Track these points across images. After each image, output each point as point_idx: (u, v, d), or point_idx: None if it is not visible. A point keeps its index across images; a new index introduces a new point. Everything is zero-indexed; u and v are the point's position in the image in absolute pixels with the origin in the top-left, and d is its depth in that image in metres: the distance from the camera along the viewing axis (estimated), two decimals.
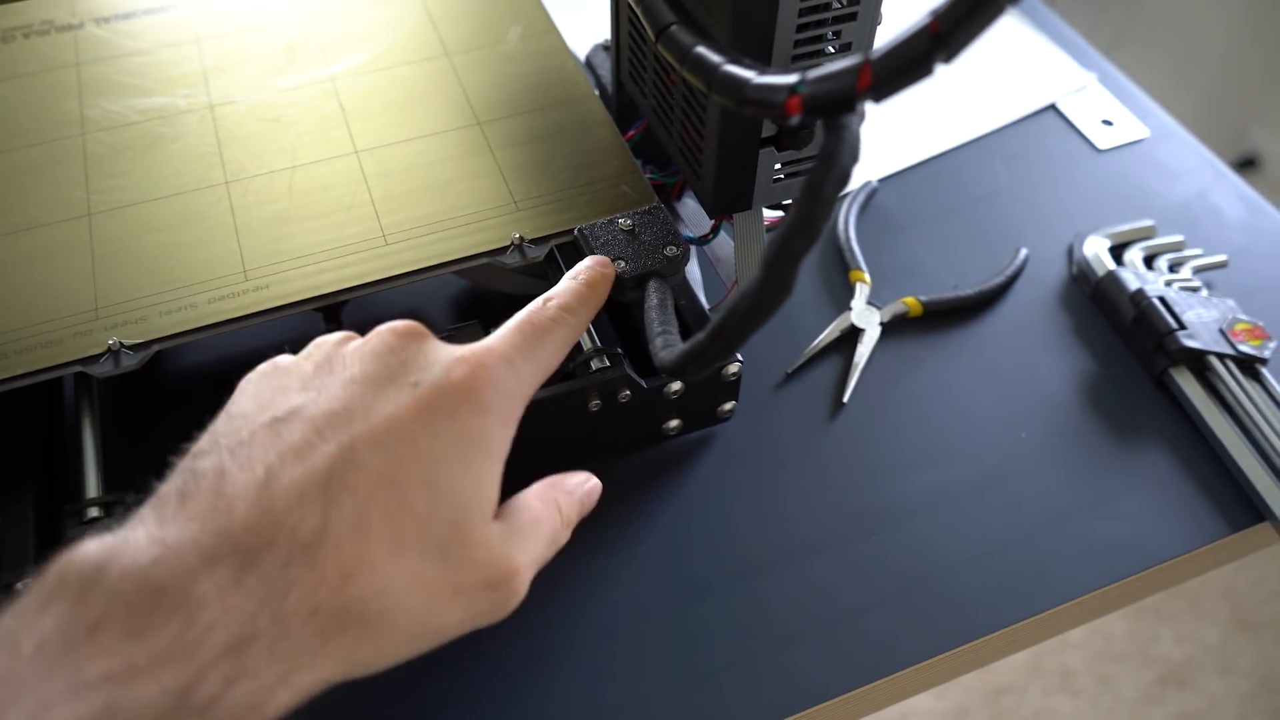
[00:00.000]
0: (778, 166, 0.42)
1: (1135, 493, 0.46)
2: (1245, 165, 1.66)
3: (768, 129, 0.41)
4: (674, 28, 0.36)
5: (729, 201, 0.43)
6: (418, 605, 0.29)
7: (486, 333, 0.43)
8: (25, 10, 0.54)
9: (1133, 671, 1.38)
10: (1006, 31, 0.70)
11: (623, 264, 0.42)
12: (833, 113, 0.29)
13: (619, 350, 0.42)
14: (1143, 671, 1.38)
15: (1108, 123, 0.63)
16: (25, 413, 0.42)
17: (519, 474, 0.44)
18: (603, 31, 0.58)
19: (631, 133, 0.49)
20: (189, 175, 0.46)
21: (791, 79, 0.30)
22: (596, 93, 0.51)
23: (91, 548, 0.26)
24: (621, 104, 0.51)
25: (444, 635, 0.30)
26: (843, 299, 0.53)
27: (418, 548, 0.29)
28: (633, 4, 0.38)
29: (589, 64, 0.56)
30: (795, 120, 0.30)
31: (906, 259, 0.55)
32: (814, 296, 0.53)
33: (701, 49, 0.34)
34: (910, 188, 0.59)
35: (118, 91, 0.50)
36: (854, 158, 0.30)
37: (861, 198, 0.57)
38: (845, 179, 0.30)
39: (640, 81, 0.47)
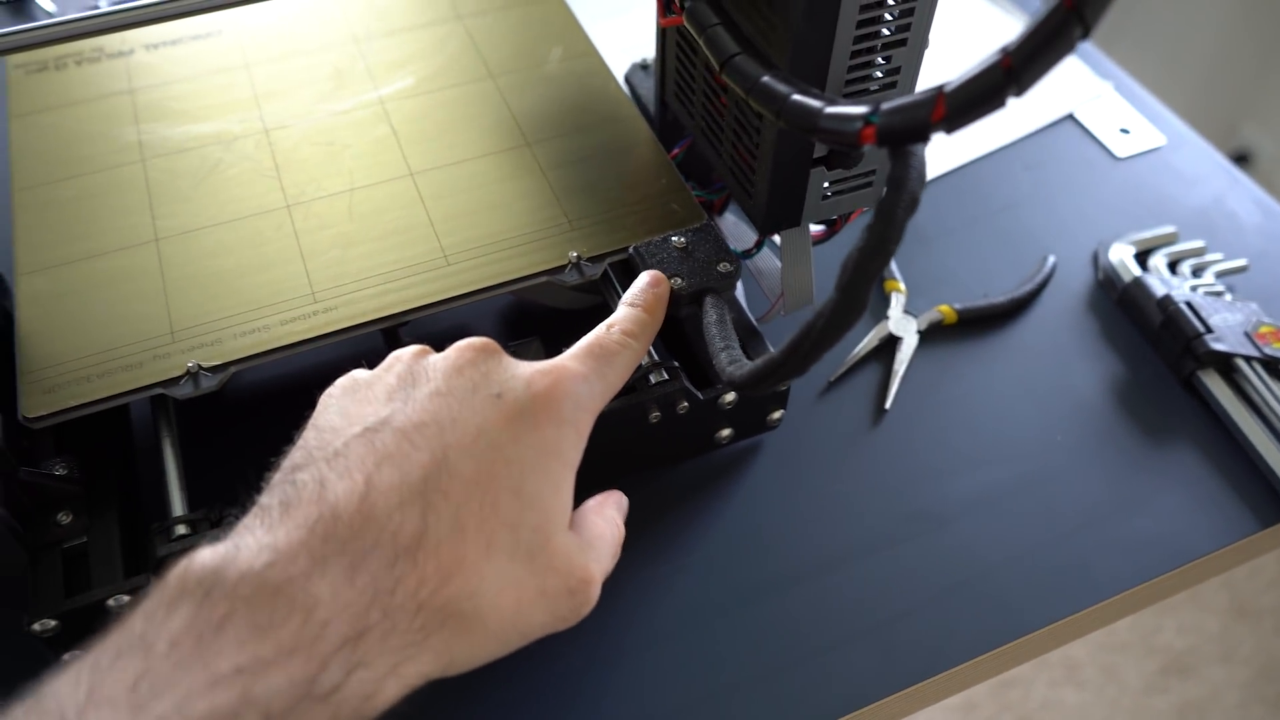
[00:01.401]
0: (826, 184, 0.44)
1: (1168, 492, 0.48)
2: (1238, 161, 1.69)
3: (819, 149, 0.42)
4: (739, 58, 0.37)
5: (779, 218, 0.45)
6: (507, 606, 0.31)
7: (546, 349, 0.45)
8: None
9: (1136, 661, 1.40)
10: None
11: (679, 281, 0.43)
12: (905, 142, 0.31)
13: (676, 364, 0.43)
14: (1146, 661, 1.40)
15: (1125, 131, 0.65)
16: (104, 433, 0.43)
17: (580, 486, 0.45)
18: (636, 51, 0.60)
19: (676, 151, 0.51)
20: (250, 200, 0.47)
21: (864, 110, 0.31)
22: (638, 112, 0.52)
23: (206, 555, 0.28)
24: (664, 123, 0.53)
25: (528, 636, 0.32)
26: (878, 308, 0.55)
27: (507, 550, 0.31)
28: (694, 35, 0.40)
29: (627, 83, 0.58)
30: (866, 149, 0.32)
31: (936, 268, 0.57)
32: None
33: (768, 79, 0.36)
34: (937, 199, 0.61)
35: (173, 117, 0.51)
36: (921, 183, 0.32)
37: None
38: (914, 204, 0.32)
39: (688, 103, 0.49)
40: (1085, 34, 0.28)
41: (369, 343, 0.45)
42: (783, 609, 0.44)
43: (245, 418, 0.49)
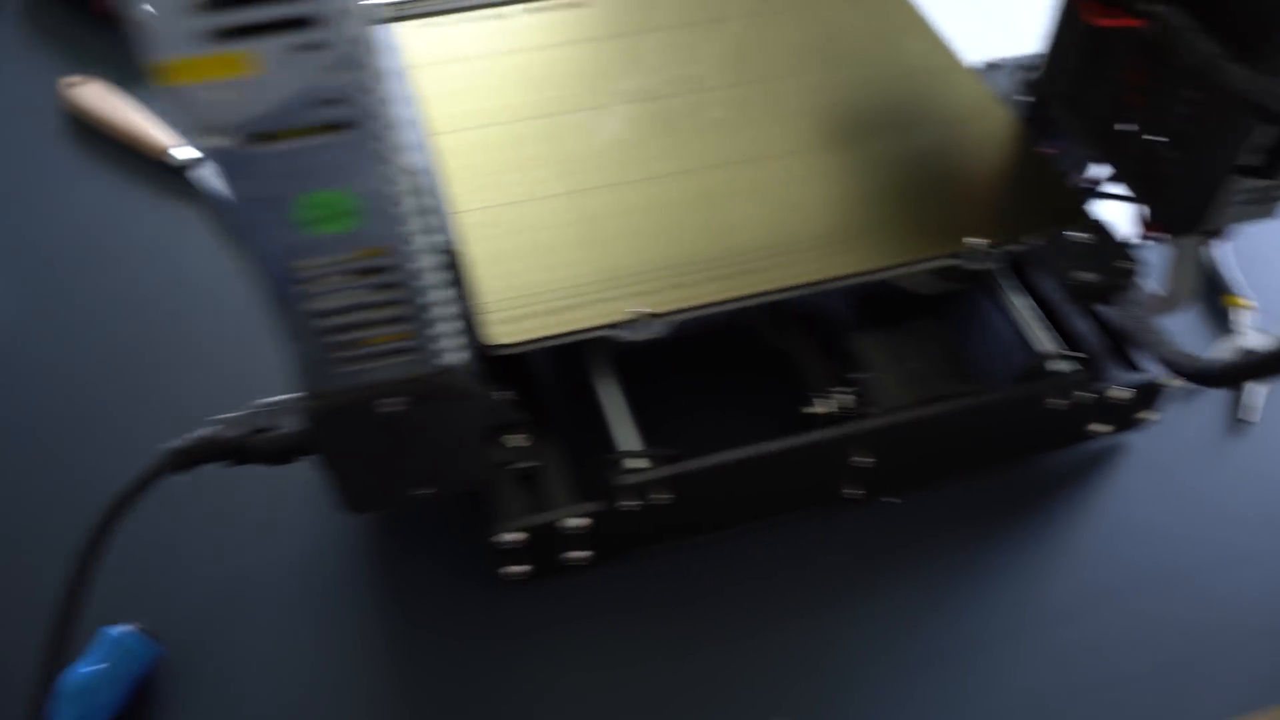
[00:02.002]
0: (1238, 194, 0.45)
1: None
2: None
3: (1249, 158, 0.43)
4: (1227, 61, 0.38)
5: (1189, 222, 0.46)
6: None
7: (940, 330, 0.46)
8: None
9: None
10: None
11: (1092, 276, 0.45)
12: None
13: (1085, 354, 0.45)
14: None
15: None
16: (526, 367, 0.46)
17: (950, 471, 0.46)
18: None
19: (1051, 151, 0.52)
20: (658, 162, 0.50)
21: None
22: (1008, 110, 0.54)
23: None
24: (1031, 122, 0.54)
25: None
26: (1214, 322, 0.55)
27: None
28: (1169, 40, 0.41)
29: None
30: None
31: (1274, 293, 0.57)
32: (1190, 320, 0.56)
33: (1273, 80, 0.37)
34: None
35: (561, 80, 0.54)
36: None
37: None
38: None
39: (1080, 103, 0.50)
40: None
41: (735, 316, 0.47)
42: (1175, 602, 0.45)
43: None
